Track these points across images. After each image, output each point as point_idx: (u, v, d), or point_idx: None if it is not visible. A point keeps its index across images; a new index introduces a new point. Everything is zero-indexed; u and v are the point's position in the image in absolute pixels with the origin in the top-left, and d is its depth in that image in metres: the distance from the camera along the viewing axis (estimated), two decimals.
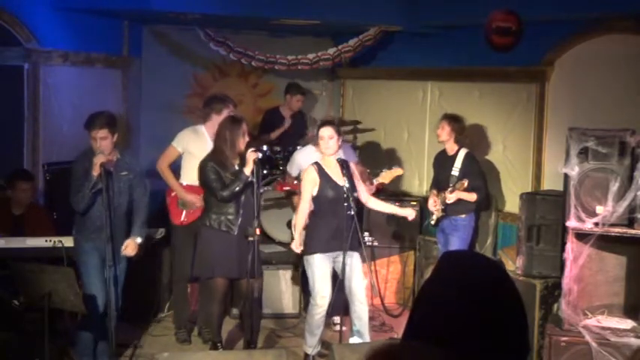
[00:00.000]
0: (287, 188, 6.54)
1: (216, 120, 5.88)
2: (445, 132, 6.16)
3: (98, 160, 4.92)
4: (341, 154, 5.64)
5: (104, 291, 5.06)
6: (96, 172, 4.91)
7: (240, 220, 5.44)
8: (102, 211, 4.96)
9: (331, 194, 5.37)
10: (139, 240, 5.26)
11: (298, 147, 6.74)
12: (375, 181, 5.93)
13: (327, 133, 5.37)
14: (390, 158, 7.90)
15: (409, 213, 5.66)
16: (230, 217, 5.43)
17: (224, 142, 5.44)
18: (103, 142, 5.00)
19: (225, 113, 5.88)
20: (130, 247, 5.20)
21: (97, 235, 5.04)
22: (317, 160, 5.69)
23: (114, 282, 5.09)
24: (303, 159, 6.21)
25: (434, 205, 6.15)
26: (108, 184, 4.99)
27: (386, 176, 5.85)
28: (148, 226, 5.89)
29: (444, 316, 1.38)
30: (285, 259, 6.64)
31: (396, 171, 5.89)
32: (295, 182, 6.41)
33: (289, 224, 6.59)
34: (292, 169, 6.42)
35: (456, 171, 6.09)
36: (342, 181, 5.32)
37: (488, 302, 1.38)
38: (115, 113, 5.54)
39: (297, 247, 5.47)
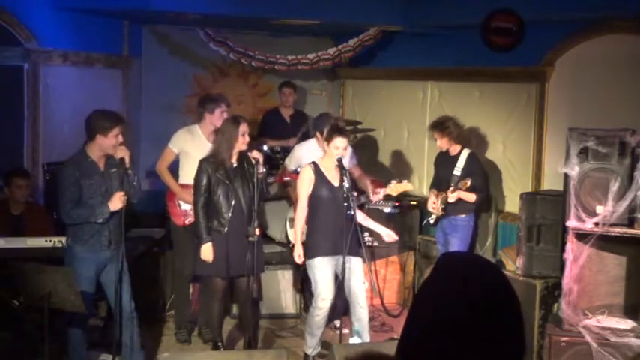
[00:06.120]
0: (287, 179, 6.54)
1: (209, 120, 6.00)
2: (444, 142, 6.16)
3: (124, 153, 4.86)
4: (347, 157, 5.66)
5: (94, 297, 5.05)
6: (127, 160, 4.88)
7: (230, 218, 5.42)
8: (110, 218, 4.89)
9: (326, 194, 5.37)
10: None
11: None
12: (383, 192, 5.90)
13: (342, 144, 5.33)
14: (393, 160, 7.90)
15: (387, 233, 5.61)
16: (219, 215, 5.43)
17: (221, 143, 5.45)
18: (120, 137, 4.93)
19: (217, 113, 5.96)
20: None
21: (95, 240, 4.94)
22: (318, 155, 5.70)
23: (121, 283, 5.00)
24: (304, 154, 6.22)
25: (433, 205, 6.15)
26: (123, 180, 4.92)
27: (394, 189, 5.79)
28: (147, 227, 5.91)
29: (441, 319, 1.38)
30: (285, 259, 6.64)
31: (406, 185, 5.81)
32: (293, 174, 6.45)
33: (291, 221, 6.58)
34: (291, 164, 6.42)
35: (458, 171, 6.09)
36: (338, 182, 5.32)
37: (486, 305, 1.38)
38: None
39: (298, 257, 5.48)
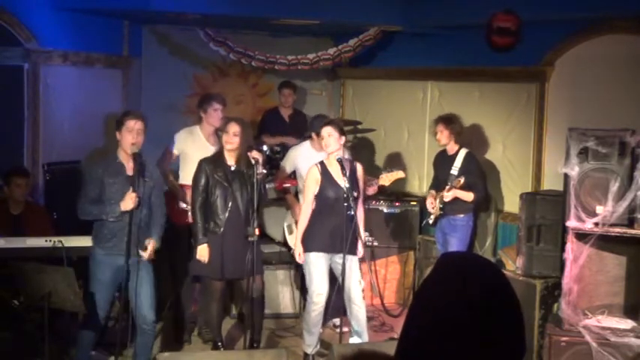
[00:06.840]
0: (287, 185, 6.54)
1: (205, 119, 6.06)
2: (444, 135, 6.16)
3: (132, 150, 4.82)
4: (344, 154, 5.65)
5: (108, 302, 5.04)
6: (135, 166, 4.81)
7: (226, 219, 5.41)
8: (121, 218, 4.84)
9: (332, 194, 5.38)
10: (156, 244, 5.04)
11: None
12: (376, 183, 5.91)
13: (326, 131, 5.39)
14: (390, 158, 7.90)
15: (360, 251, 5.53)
16: (215, 216, 5.42)
17: (222, 144, 5.49)
18: (139, 137, 4.91)
19: (210, 111, 6.03)
20: (151, 247, 4.95)
21: (114, 244, 4.89)
22: (312, 156, 5.71)
23: (127, 284, 4.91)
24: (298, 155, 6.24)
25: (432, 205, 6.15)
26: (138, 179, 4.86)
27: (386, 178, 5.81)
28: None
29: (441, 320, 1.38)
30: (285, 259, 6.64)
31: (397, 174, 5.84)
32: (290, 178, 6.45)
33: (289, 228, 6.58)
34: (287, 165, 6.44)
35: (455, 170, 6.09)
36: (342, 181, 5.33)
37: (485, 305, 1.38)
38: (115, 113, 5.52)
39: (299, 257, 5.49)
